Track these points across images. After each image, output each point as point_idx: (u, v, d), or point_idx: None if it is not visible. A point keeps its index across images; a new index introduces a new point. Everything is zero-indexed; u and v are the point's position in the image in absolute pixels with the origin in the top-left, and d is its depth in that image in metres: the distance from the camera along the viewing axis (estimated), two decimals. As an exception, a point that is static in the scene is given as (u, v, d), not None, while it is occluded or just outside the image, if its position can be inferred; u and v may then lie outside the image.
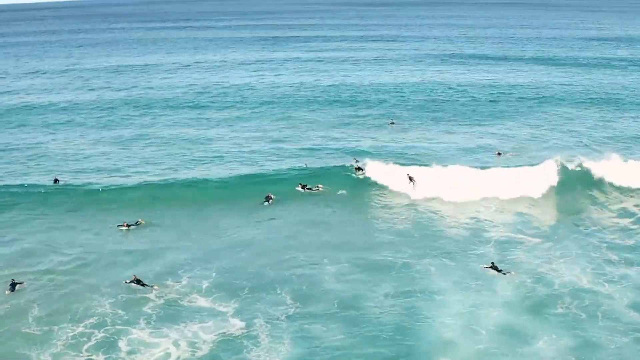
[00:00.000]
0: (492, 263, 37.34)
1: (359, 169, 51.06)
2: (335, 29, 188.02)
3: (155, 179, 52.15)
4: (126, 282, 36.26)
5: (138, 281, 36.16)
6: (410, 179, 48.84)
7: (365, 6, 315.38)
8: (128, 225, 44.07)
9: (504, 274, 36.50)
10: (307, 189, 49.48)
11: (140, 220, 44.79)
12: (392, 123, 71.30)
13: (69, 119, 75.30)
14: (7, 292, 35.46)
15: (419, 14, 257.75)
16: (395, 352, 29.60)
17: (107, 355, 29.97)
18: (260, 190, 49.38)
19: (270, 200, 47.11)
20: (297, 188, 49.60)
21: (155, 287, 35.88)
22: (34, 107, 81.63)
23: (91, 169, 55.73)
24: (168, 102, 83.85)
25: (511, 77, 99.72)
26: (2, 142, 65.12)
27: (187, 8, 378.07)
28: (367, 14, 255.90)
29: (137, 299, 35.04)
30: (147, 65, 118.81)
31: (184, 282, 36.82)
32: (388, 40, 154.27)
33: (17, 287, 35.89)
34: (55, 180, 50.97)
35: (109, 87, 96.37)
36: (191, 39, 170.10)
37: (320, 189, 49.76)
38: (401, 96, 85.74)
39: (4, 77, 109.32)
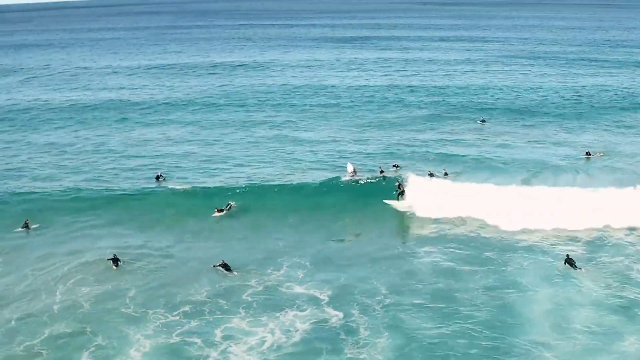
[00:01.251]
0: (567, 256, 36.40)
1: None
2: (427, 29, 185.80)
3: (257, 180, 51.96)
4: (214, 266, 36.79)
5: (225, 266, 36.61)
6: (399, 187, 45.50)
7: (456, 5, 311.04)
8: (220, 210, 44.67)
9: (578, 269, 35.44)
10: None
11: (231, 203, 45.43)
12: (483, 121, 70.79)
13: (164, 116, 76.08)
14: (113, 267, 36.96)
15: (511, 15, 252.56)
16: (489, 347, 28.79)
17: (202, 339, 30.06)
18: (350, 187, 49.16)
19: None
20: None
21: (235, 272, 36.35)
22: (136, 104, 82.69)
23: (188, 168, 56.26)
24: (263, 99, 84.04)
25: (604, 79, 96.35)
26: (105, 138, 66.30)
27: (278, 6, 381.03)
28: (458, 13, 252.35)
29: (232, 286, 35.23)
30: (241, 63, 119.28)
31: (281, 270, 36.95)
32: (478, 41, 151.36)
33: (119, 263, 37.23)
34: (158, 177, 51.96)
35: (202, 84, 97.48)
36: (287, 37, 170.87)
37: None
38: (490, 96, 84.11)
39: (102, 73, 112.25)
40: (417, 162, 54.87)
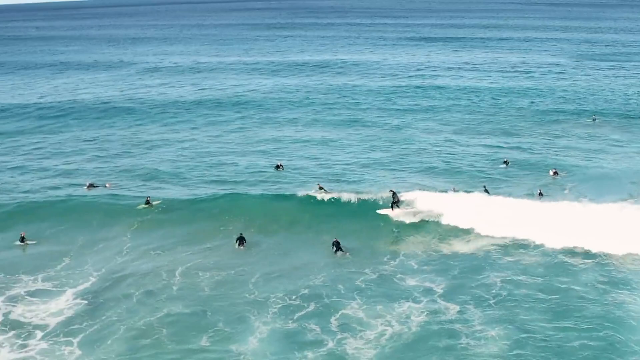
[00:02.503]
0: None
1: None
2: (538, 30, 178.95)
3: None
4: (334, 251, 37.56)
5: (337, 244, 37.56)
6: (394, 196, 42.69)
7: (564, 6, 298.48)
8: (321, 187, 45.79)
9: None
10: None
11: (319, 186, 46.01)
12: (594, 119, 68.67)
13: (274, 114, 75.69)
14: (238, 247, 38.53)
15: (621, 16, 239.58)
16: (603, 344, 27.83)
17: (319, 327, 30.20)
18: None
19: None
20: None
21: (348, 254, 36.99)
22: (253, 101, 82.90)
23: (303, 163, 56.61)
24: (379, 99, 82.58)
25: None
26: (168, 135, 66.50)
27: (369, 4, 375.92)
28: (567, 14, 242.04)
29: (349, 273, 35.38)
30: (355, 62, 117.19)
31: (396, 260, 36.89)
32: (585, 42, 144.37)
33: (244, 243, 38.59)
34: (278, 167, 53.08)
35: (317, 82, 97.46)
36: (398, 37, 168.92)
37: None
38: (604, 98, 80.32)
39: (224, 69, 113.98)
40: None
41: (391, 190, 42.80)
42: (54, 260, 37.78)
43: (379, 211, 42.37)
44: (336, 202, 44.97)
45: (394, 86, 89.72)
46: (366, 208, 43.63)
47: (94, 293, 34.18)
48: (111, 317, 31.82)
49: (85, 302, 33.30)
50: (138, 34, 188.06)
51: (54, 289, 34.65)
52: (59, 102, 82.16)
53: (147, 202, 43.90)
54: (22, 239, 39.58)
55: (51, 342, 29.86)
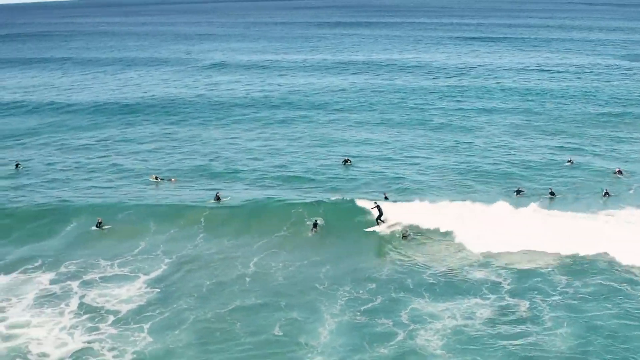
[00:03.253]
0: None
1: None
2: (604, 30, 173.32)
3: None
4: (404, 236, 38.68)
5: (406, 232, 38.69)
6: (379, 210, 40.42)
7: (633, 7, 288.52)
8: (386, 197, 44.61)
9: None
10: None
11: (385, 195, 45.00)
12: None
13: (343, 115, 74.87)
14: (312, 231, 39.85)
15: None
16: None
17: (388, 320, 30.07)
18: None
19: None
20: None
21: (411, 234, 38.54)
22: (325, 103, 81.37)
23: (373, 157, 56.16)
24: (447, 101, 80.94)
25: None
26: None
27: (436, 2, 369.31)
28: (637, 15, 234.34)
29: (415, 264, 35.55)
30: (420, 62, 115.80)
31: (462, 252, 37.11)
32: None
33: (317, 227, 39.91)
34: (346, 161, 53.03)
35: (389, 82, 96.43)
36: (460, 37, 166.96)
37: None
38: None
39: (290, 67, 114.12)
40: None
41: (375, 203, 40.60)
42: (128, 246, 38.59)
43: (367, 229, 40.25)
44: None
45: (459, 86, 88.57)
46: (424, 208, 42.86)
47: (166, 281, 34.72)
48: (182, 305, 32.23)
49: (158, 289, 33.85)
50: (205, 31, 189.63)
51: (128, 274, 35.41)
52: (129, 97, 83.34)
53: (217, 198, 44.13)
54: (99, 224, 40.23)
55: (122, 327, 30.45)
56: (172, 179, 49.84)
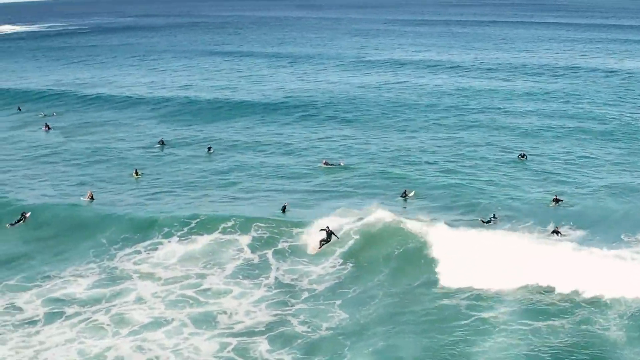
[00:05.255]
0: None
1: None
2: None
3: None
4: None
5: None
6: (329, 235, 36.22)
7: None
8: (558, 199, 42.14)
9: None
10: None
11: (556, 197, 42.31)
12: None
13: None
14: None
15: None
16: None
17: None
18: None
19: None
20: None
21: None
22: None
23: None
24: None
25: None
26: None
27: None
28: None
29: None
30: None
31: None
32: None
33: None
34: (522, 156, 51.11)
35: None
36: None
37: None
38: None
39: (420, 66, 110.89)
40: None
41: (327, 229, 36.31)
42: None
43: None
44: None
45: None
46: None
47: (357, 255, 34.97)
48: (372, 280, 32.36)
49: (351, 264, 34.14)
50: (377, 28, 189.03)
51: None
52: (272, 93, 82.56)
53: (404, 194, 43.99)
54: (284, 209, 41.06)
55: (313, 302, 30.85)
56: (341, 162, 50.93)
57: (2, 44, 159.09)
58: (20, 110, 75.98)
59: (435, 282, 31.85)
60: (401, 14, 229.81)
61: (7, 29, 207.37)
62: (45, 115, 71.61)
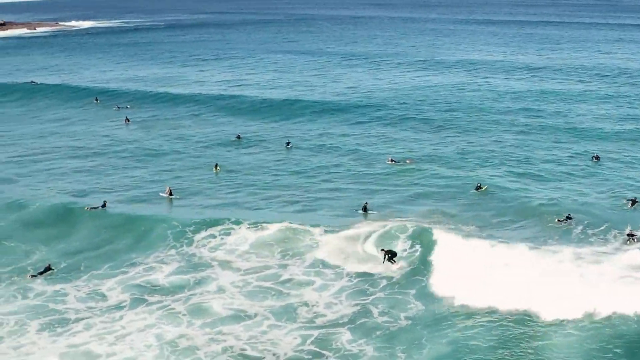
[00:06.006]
0: None
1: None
2: None
3: None
4: None
5: None
6: (390, 255, 35.04)
7: None
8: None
9: None
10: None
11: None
12: None
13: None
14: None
15: None
16: None
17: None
18: None
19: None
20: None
21: None
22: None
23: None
24: None
25: None
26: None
27: None
28: None
29: None
30: None
31: None
32: None
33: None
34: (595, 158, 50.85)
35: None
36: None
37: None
38: None
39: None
40: None
41: (383, 249, 35.30)
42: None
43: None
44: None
45: None
46: None
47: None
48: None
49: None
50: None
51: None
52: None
53: (478, 187, 44.44)
54: (365, 208, 41.47)
55: (390, 291, 32.06)
56: (408, 160, 51.72)
57: (82, 39, 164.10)
58: (97, 101, 79.18)
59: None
60: (474, 14, 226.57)
61: (88, 24, 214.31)
62: (119, 107, 74.61)
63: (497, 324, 28.48)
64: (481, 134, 60.54)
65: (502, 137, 59.05)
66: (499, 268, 32.13)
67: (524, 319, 28.57)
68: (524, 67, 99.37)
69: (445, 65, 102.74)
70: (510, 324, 28.32)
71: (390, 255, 34.74)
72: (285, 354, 27.33)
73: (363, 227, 38.02)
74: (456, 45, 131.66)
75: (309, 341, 28.09)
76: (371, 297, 31.53)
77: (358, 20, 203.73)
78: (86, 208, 41.95)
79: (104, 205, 42.19)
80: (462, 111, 69.75)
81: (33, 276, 34.28)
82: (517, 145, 56.20)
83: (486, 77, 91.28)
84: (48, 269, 34.84)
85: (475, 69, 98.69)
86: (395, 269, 34.19)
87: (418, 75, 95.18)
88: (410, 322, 29.22)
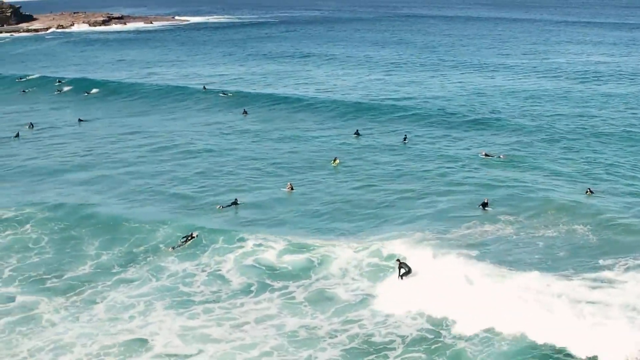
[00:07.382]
0: None
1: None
2: None
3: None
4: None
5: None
6: (405, 269, 32.35)
7: None
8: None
9: None
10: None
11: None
12: None
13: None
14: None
15: None
16: None
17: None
18: None
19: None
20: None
21: None
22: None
23: None
24: None
25: None
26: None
27: None
28: None
29: None
30: None
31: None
32: None
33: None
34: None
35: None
36: None
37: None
38: None
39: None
40: None
41: (397, 260, 33.01)
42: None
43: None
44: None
45: None
46: None
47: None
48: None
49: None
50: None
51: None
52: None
53: (588, 191, 42.93)
54: (485, 205, 41.03)
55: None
56: (501, 155, 52.07)
57: (195, 33, 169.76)
58: (205, 89, 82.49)
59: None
60: (580, 16, 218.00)
61: (214, 19, 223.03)
62: (224, 93, 78.99)
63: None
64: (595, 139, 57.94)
65: (610, 144, 56.07)
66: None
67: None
68: (625, 73, 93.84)
69: (546, 70, 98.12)
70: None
71: (406, 270, 32.21)
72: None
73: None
74: (559, 48, 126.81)
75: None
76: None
77: (463, 20, 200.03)
78: (217, 207, 42.34)
79: (235, 203, 42.59)
80: (565, 115, 67.06)
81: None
82: (614, 149, 54.32)
83: (594, 84, 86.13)
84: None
85: (581, 75, 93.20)
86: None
87: (529, 80, 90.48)
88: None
